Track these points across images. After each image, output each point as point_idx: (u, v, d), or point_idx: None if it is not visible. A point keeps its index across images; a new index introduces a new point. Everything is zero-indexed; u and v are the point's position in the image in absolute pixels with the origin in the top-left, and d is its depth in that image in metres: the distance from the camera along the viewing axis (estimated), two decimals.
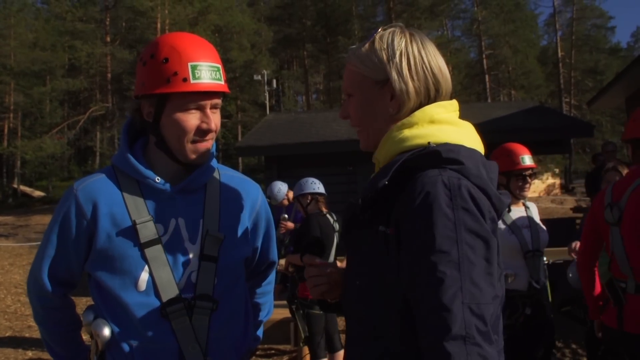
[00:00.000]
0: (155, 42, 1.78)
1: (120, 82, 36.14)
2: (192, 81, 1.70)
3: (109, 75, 35.71)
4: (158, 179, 1.80)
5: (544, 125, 11.80)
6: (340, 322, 6.09)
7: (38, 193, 36.43)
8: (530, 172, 3.97)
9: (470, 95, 43.67)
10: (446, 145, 1.43)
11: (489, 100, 38.64)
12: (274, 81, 32.78)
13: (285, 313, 5.86)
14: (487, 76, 44.09)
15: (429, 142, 1.44)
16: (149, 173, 1.80)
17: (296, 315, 5.48)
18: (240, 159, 31.89)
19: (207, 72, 1.73)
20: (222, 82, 1.79)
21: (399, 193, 1.41)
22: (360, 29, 41.64)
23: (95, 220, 1.76)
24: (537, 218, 4.07)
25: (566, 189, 33.43)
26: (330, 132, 12.48)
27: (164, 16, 31.58)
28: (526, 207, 4.07)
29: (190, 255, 1.81)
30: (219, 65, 1.79)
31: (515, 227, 3.88)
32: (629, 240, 3.08)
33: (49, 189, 37.46)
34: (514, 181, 3.97)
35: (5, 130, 38.24)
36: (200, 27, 30.88)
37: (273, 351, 7.05)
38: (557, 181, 34.24)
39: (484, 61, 44.26)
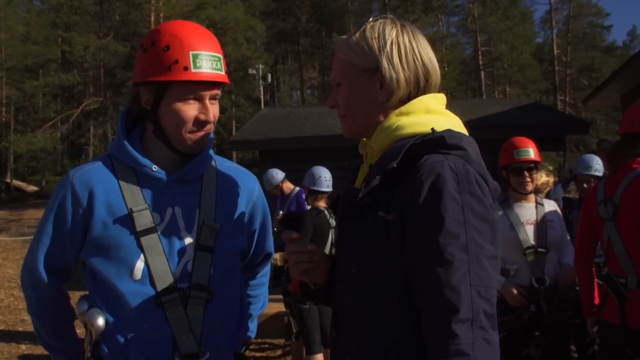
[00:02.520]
0: (157, 29, 1.76)
1: (113, 76, 35.98)
2: (193, 70, 1.68)
3: (103, 69, 35.53)
4: (155, 168, 1.78)
5: (540, 122, 11.82)
6: None
7: (31, 187, 36.34)
8: (530, 165, 3.88)
9: (465, 92, 43.78)
10: (449, 131, 1.46)
11: (484, 97, 38.66)
12: (269, 76, 32.74)
13: (279, 307, 5.86)
14: (482, 73, 44.13)
15: (432, 129, 1.46)
16: (145, 161, 1.78)
17: (288, 311, 5.46)
18: (234, 154, 31.87)
19: (208, 62, 1.71)
20: (223, 73, 1.77)
21: (400, 178, 1.42)
22: (355, 24, 41.58)
23: (91, 208, 1.73)
24: (553, 214, 3.96)
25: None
26: (325, 127, 12.47)
27: (159, 9, 31.45)
28: (538, 204, 3.97)
29: (186, 245, 1.79)
30: (220, 55, 1.77)
31: (517, 222, 3.83)
32: (628, 236, 3.08)
33: (42, 184, 37.37)
34: (512, 176, 3.91)
35: None
36: (195, 21, 30.77)
37: (267, 345, 7.05)
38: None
39: (480, 57, 44.30)
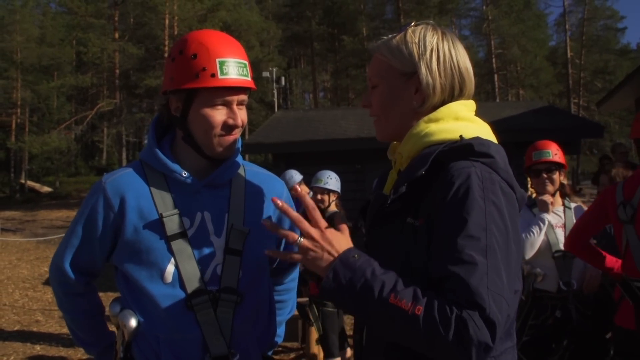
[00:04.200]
0: (184, 39, 1.81)
1: (128, 78, 36.23)
2: (220, 76, 1.72)
3: (117, 71, 35.76)
4: (185, 173, 1.82)
5: (554, 126, 11.72)
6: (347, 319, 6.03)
7: (45, 188, 36.59)
8: (548, 167, 3.89)
9: (479, 95, 43.60)
10: (477, 139, 1.47)
11: (498, 100, 38.47)
12: (282, 79, 32.72)
13: None
14: (495, 76, 43.95)
15: (460, 136, 1.47)
16: (175, 167, 1.82)
17: (310, 314, 5.43)
18: (247, 157, 31.95)
19: (234, 68, 1.75)
20: (249, 79, 1.81)
21: (427, 185, 1.43)
22: (368, 27, 41.61)
23: (122, 213, 1.78)
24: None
25: (573, 190, 33.26)
26: (338, 130, 12.45)
27: (173, 12, 31.59)
28: (566, 207, 3.98)
29: (216, 249, 1.83)
30: (246, 62, 1.81)
31: (547, 225, 3.82)
32: None
33: (56, 185, 37.63)
34: (532, 178, 3.93)
35: (13, 126, 38.39)
36: (208, 23, 30.86)
37: (280, 348, 7.04)
38: (565, 182, 34.08)
39: (493, 60, 44.12)
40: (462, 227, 1.31)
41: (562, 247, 3.78)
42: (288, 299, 2.23)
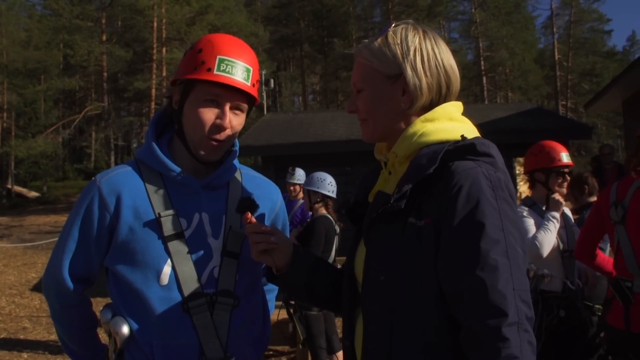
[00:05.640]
0: (202, 37, 1.83)
1: (116, 81, 36.03)
2: (215, 72, 1.71)
3: (105, 74, 35.56)
4: (183, 173, 1.80)
5: (543, 127, 11.80)
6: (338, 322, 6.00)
7: (33, 193, 36.25)
8: (568, 169, 3.96)
9: (467, 97, 43.79)
10: (478, 139, 1.48)
11: (486, 102, 38.68)
12: (271, 81, 32.71)
13: (283, 314, 5.83)
14: (484, 78, 44.14)
15: (462, 135, 1.47)
16: (173, 166, 1.80)
17: (294, 317, 5.41)
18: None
19: (233, 69, 1.74)
20: (248, 83, 1.78)
21: (428, 184, 1.42)
22: (357, 29, 41.69)
23: (118, 213, 1.74)
24: (572, 219, 4.07)
25: None
26: (328, 133, 12.46)
27: (161, 15, 31.45)
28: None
29: (213, 251, 1.80)
30: (250, 67, 1.79)
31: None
32: (635, 239, 3.10)
33: (44, 190, 37.33)
34: (554, 178, 3.95)
35: None
36: (197, 26, 30.76)
37: (271, 352, 7.02)
38: None
39: (482, 63, 44.33)
40: (480, 231, 1.32)
41: (566, 247, 3.84)
42: (269, 299, 2.22)
